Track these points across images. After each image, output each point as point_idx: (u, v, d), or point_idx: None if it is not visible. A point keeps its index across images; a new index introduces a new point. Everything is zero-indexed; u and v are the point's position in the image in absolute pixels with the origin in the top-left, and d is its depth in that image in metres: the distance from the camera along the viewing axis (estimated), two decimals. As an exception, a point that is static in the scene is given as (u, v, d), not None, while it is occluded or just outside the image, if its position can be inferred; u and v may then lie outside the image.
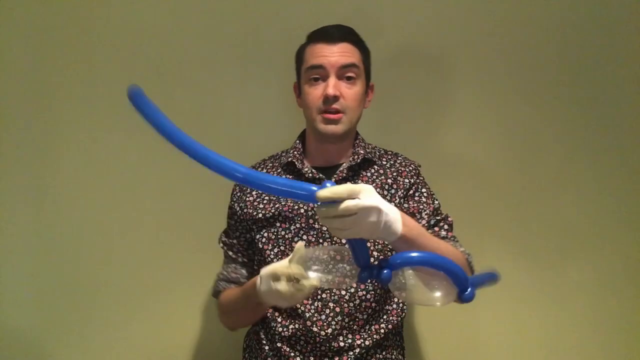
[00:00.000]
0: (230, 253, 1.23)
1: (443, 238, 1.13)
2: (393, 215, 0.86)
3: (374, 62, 1.25)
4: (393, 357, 1.18)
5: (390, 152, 1.28)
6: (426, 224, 1.14)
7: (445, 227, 1.16)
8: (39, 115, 1.47)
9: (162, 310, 1.48)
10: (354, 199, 0.79)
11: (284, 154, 1.27)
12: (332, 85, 1.13)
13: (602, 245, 1.51)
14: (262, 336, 1.17)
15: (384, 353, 1.16)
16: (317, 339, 1.10)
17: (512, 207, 1.51)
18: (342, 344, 1.11)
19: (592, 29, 1.50)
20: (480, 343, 1.51)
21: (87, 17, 1.47)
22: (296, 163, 1.20)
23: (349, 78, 1.15)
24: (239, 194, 1.23)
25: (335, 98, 1.13)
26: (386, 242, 1.13)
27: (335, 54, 1.14)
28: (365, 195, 0.80)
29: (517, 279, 1.50)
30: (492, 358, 1.51)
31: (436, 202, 1.21)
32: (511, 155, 1.52)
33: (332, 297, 1.12)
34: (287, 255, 1.14)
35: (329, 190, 0.77)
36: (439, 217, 1.17)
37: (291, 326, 1.13)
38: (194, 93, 1.49)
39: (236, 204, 1.22)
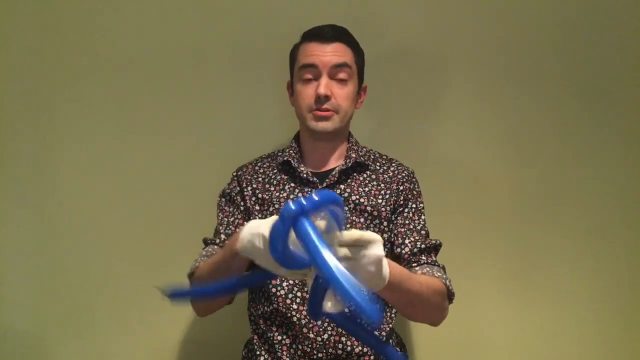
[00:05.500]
0: (217, 240, 1.19)
1: (423, 264, 1.11)
2: (385, 266, 0.81)
3: (369, 63, 1.24)
4: None
5: (384, 157, 1.27)
6: (409, 252, 1.13)
7: (426, 253, 1.14)
8: (39, 115, 1.47)
9: (163, 310, 1.45)
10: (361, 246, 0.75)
11: (280, 153, 1.26)
12: (324, 85, 1.13)
13: (602, 244, 1.50)
14: (261, 344, 1.16)
15: None
16: (314, 345, 1.10)
17: (510, 207, 1.50)
18: (339, 351, 1.10)
19: (592, 27, 1.48)
20: (482, 342, 1.51)
21: (86, 17, 1.47)
22: (292, 162, 1.20)
23: (341, 78, 1.15)
24: (250, 177, 1.23)
25: (327, 98, 1.14)
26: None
27: (328, 53, 1.14)
28: (373, 245, 0.75)
29: (517, 278, 1.50)
30: (493, 356, 1.51)
31: (422, 219, 1.18)
32: (509, 155, 1.50)
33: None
34: None
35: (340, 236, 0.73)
36: (422, 246, 1.14)
37: (289, 332, 1.12)
38: (190, 93, 1.48)
39: (248, 187, 1.21)
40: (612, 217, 1.50)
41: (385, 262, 0.82)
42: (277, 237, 0.66)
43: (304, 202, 0.64)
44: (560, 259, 1.50)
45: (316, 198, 0.66)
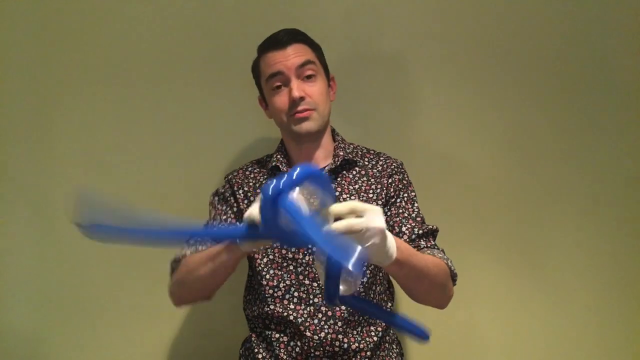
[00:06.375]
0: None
1: (423, 249, 1.13)
2: (391, 239, 0.85)
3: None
4: None
5: (372, 152, 1.28)
6: (407, 239, 1.14)
7: (424, 238, 1.16)
8: (39, 115, 1.47)
9: (162, 309, 1.44)
10: (358, 217, 0.78)
11: (268, 159, 1.28)
12: (296, 87, 1.15)
13: (600, 242, 1.50)
14: (259, 342, 1.18)
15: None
16: (311, 343, 1.12)
17: (506, 204, 1.50)
18: (336, 348, 1.12)
19: (590, 25, 1.48)
20: (479, 343, 1.51)
21: (86, 18, 1.47)
22: (280, 167, 1.22)
23: (309, 76, 1.17)
24: (241, 181, 1.25)
25: (302, 99, 1.15)
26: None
27: (290, 56, 1.16)
28: (371, 215, 0.79)
29: (515, 278, 1.50)
30: (491, 356, 1.51)
31: (416, 207, 1.20)
32: (505, 153, 1.50)
33: (324, 301, 1.13)
34: (277, 263, 1.15)
35: (332, 208, 0.78)
36: (420, 232, 1.15)
37: (287, 330, 1.15)
38: (189, 94, 1.49)
39: (240, 190, 1.23)
40: (611, 215, 1.50)
41: (391, 236, 0.86)
42: (266, 219, 0.73)
43: (280, 183, 0.70)
44: (558, 256, 1.50)
45: (294, 175, 0.72)
